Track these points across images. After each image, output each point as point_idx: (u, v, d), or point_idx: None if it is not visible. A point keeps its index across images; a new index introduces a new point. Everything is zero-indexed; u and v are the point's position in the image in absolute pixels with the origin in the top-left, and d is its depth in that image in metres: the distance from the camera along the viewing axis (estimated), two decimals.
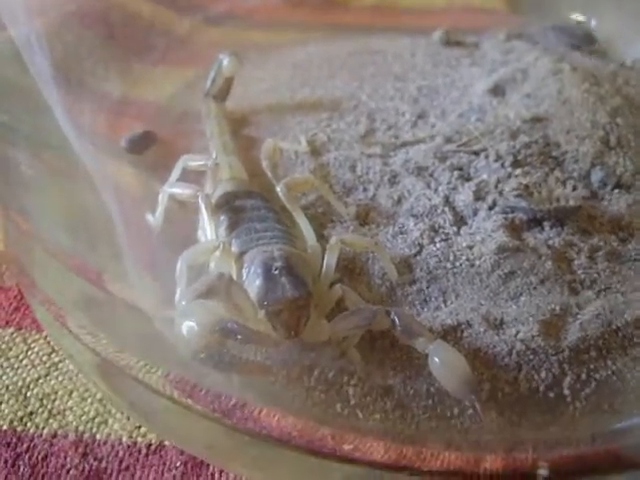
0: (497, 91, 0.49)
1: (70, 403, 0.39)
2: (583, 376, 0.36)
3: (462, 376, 0.33)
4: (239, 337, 0.32)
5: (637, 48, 0.54)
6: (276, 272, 0.35)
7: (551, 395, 0.36)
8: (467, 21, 0.58)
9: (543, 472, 0.31)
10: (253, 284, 0.35)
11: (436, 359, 0.34)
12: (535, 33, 0.56)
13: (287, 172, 0.43)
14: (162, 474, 0.37)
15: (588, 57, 0.53)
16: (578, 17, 0.56)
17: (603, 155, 0.45)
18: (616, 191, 0.44)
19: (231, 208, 0.40)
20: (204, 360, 0.32)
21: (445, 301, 0.38)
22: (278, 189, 0.40)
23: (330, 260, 0.37)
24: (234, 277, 0.36)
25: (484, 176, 0.44)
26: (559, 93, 0.48)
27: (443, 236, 0.40)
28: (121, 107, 0.47)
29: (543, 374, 0.36)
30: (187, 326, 0.32)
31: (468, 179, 0.44)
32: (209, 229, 0.38)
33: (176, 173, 0.42)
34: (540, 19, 0.56)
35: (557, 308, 0.38)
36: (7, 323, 0.43)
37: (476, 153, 0.45)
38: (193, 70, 0.51)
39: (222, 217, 0.39)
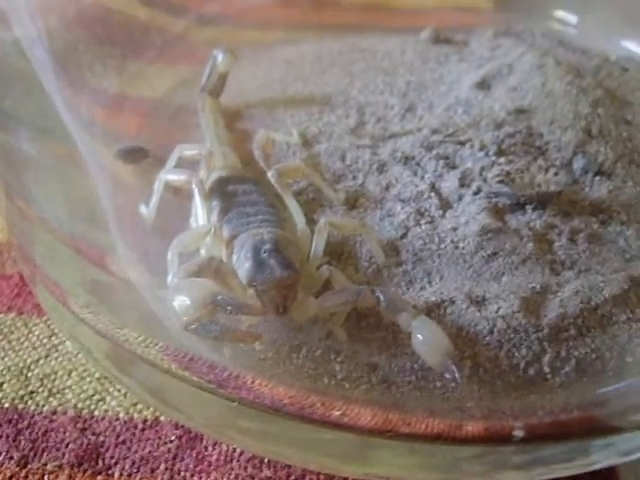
0: (483, 85, 0.51)
1: (69, 382, 0.41)
2: (562, 353, 0.38)
3: (443, 349, 0.34)
4: (229, 308, 0.33)
5: (621, 45, 0.56)
6: (265, 254, 0.36)
7: (531, 371, 0.37)
8: (456, 20, 0.59)
9: (518, 433, 0.32)
10: (243, 266, 0.37)
11: (418, 335, 0.35)
12: (522, 31, 0.58)
13: (279, 162, 0.44)
14: (157, 447, 0.38)
15: (572, 53, 0.55)
16: (563, 14, 0.57)
17: (585, 144, 0.46)
18: (597, 178, 0.45)
19: (223, 193, 0.41)
20: (196, 331, 0.33)
21: (430, 281, 0.39)
22: (269, 174, 0.42)
23: (318, 242, 0.39)
24: (225, 260, 0.38)
25: (469, 164, 0.45)
26: (543, 86, 0.49)
27: (428, 219, 0.42)
28: (118, 102, 0.49)
29: (523, 350, 0.37)
30: (179, 300, 0.34)
31: (454, 167, 0.45)
32: (201, 214, 0.40)
33: (172, 162, 0.44)
34: (526, 16, 0.58)
35: (537, 286, 0.39)
36: (9, 309, 0.44)
37: (462, 143, 0.46)
38: (188, 67, 0.53)
39: (214, 202, 0.41)
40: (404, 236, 0.41)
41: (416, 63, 0.55)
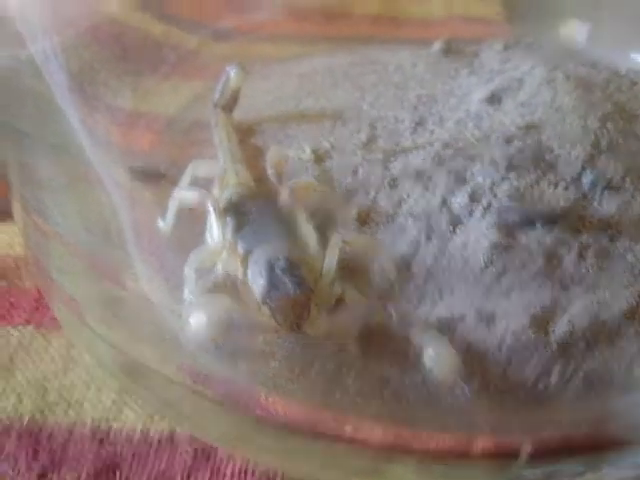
0: (493, 99, 0.52)
1: (88, 395, 0.42)
2: (571, 368, 0.38)
3: (453, 364, 0.35)
4: (244, 327, 0.34)
5: (631, 57, 0.56)
6: (279, 271, 0.37)
7: (540, 386, 0.38)
8: (466, 31, 0.60)
9: (527, 449, 0.33)
10: (257, 283, 0.37)
11: (429, 349, 0.36)
12: (532, 43, 0.58)
13: (292, 179, 0.45)
14: (173, 461, 0.39)
15: (582, 66, 0.56)
16: (573, 27, 0.58)
17: (594, 159, 0.47)
18: (606, 193, 0.46)
19: (237, 211, 0.42)
20: (212, 350, 0.34)
21: (441, 297, 0.40)
22: (282, 192, 0.42)
23: (331, 259, 0.39)
24: (240, 276, 0.38)
25: (479, 179, 0.46)
26: (552, 100, 0.50)
27: (439, 235, 0.42)
28: (133, 119, 0.50)
29: (532, 365, 0.38)
30: (196, 317, 0.34)
31: (464, 182, 0.46)
32: (216, 231, 0.41)
33: (186, 179, 0.44)
34: (536, 28, 0.58)
35: (547, 302, 0.40)
36: (27, 322, 0.45)
37: (472, 158, 0.47)
38: (202, 83, 0.54)
39: (229, 219, 0.41)
40: (415, 252, 0.41)
41: (427, 76, 0.55)
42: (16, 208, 0.47)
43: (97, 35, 0.52)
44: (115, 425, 0.40)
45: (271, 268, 0.37)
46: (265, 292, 0.36)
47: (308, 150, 0.48)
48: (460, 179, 0.46)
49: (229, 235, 0.40)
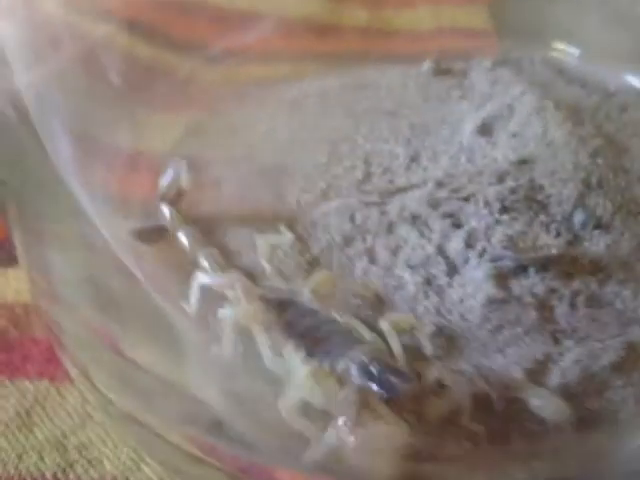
0: (485, 130, 0.52)
1: (106, 451, 0.44)
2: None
3: (559, 408, 0.39)
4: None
5: (620, 76, 0.57)
6: (380, 373, 0.37)
7: (536, 434, 0.40)
8: (455, 44, 0.60)
9: None
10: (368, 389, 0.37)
11: (535, 401, 0.38)
12: (521, 58, 0.58)
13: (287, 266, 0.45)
14: None
15: (571, 85, 0.56)
16: (562, 45, 0.58)
17: (584, 197, 0.48)
18: (596, 232, 0.47)
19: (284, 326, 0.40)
20: None
21: (440, 356, 0.42)
22: (305, 296, 0.42)
23: (394, 343, 0.39)
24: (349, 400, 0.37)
25: (473, 223, 0.47)
26: (543, 134, 0.51)
27: (436, 289, 0.44)
28: (132, 161, 0.50)
29: (528, 416, 0.40)
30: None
31: (459, 226, 0.47)
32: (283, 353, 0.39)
33: (195, 294, 0.42)
34: (525, 44, 0.58)
35: (540, 356, 0.42)
36: (41, 375, 0.47)
37: (466, 199, 0.48)
38: (195, 113, 0.54)
39: (297, 342, 0.39)
40: (413, 310, 0.43)
41: (418, 101, 0.56)
42: (20, 253, 0.47)
43: (85, 65, 0.51)
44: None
45: (369, 373, 0.37)
46: (386, 393, 0.36)
47: (285, 231, 0.47)
48: (455, 223, 0.47)
49: (301, 358, 0.39)
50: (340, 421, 0.36)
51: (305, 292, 0.42)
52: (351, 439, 0.35)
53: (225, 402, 0.41)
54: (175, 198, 0.47)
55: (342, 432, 0.35)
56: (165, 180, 0.48)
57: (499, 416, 0.39)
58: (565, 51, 0.58)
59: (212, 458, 0.39)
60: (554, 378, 0.41)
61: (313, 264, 0.45)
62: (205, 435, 0.39)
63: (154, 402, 0.41)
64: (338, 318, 0.41)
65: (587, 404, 0.41)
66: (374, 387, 0.37)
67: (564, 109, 0.52)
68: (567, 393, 0.41)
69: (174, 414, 0.40)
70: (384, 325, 0.40)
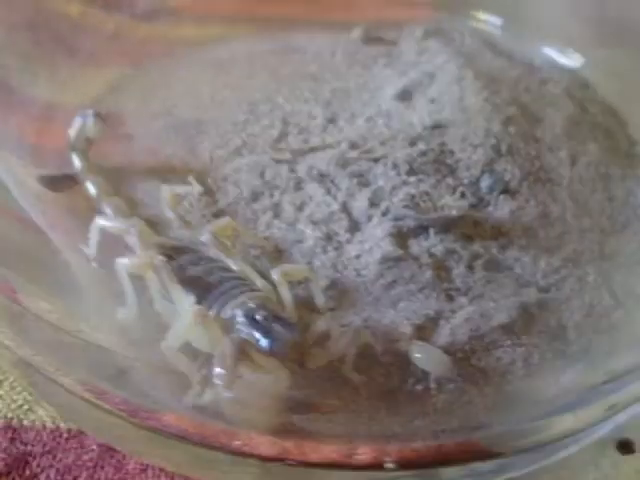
0: (405, 95, 0.53)
1: (0, 392, 0.44)
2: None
3: (441, 361, 0.39)
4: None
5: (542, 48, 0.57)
6: (264, 321, 0.37)
7: (419, 388, 0.40)
8: (389, 14, 0.60)
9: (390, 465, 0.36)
10: (254, 339, 0.37)
11: (417, 354, 0.39)
12: (451, 30, 0.59)
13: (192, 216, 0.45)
14: (80, 456, 0.42)
15: (498, 57, 0.57)
16: (491, 16, 0.58)
17: (493, 162, 0.49)
18: (502, 197, 0.48)
19: (182, 273, 0.40)
20: None
21: (331, 308, 0.42)
22: (203, 239, 0.42)
23: (285, 293, 0.40)
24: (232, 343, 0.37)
25: (380, 183, 0.47)
26: (460, 100, 0.51)
27: (335, 244, 0.44)
28: (49, 113, 0.50)
29: (412, 370, 0.41)
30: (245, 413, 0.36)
31: (366, 185, 0.47)
32: (172, 298, 0.40)
33: (94, 237, 0.43)
34: (457, 15, 0.59)
35: (431, 313, 0.42)
36: None
37: (376, 160, 0.49)
38: (120, 69, 0.54)
39: (186, 288, 0.40)
40: (309, 263, 0.43)
41: (342, 67, 0.56)
42: None
43: (8, 22, 0.51)
44: (26, 421, 0.43)
45: (254, 321, 0.38)
46: (268, 344, 0.37)
47: (194, 182, 0.47)
48: (362, 182, 0.48)
49: (189, 303, 0.39)
50: (217, 370, 0.36)
51: (205, 235, 0.42)
52: (226, 390, 0.36)
53: (121, 347, 0.41)
54: (84, 148, 0.47)
55: (218, 382, 0.36)
56: (73, 130, 0.47)
57: (383, 369, 0.40)
58: (488, 21, 0.58)
59: (103, 402, 0.39)
60: (444, 334, 0.41)
61: (218, 216, 0.46)
62: (100, 381, 0.39)
63: (50, 350, 0.41)
64: (232, 266, 0.42)
65: (474, 362, 0.41)
66: (257, 335, 0.37)
67: (483, 78, 0.52)
68: (455, 349, 0.41)
69: (70, 361, 0.40)
70: (275, 274, 0.40)
